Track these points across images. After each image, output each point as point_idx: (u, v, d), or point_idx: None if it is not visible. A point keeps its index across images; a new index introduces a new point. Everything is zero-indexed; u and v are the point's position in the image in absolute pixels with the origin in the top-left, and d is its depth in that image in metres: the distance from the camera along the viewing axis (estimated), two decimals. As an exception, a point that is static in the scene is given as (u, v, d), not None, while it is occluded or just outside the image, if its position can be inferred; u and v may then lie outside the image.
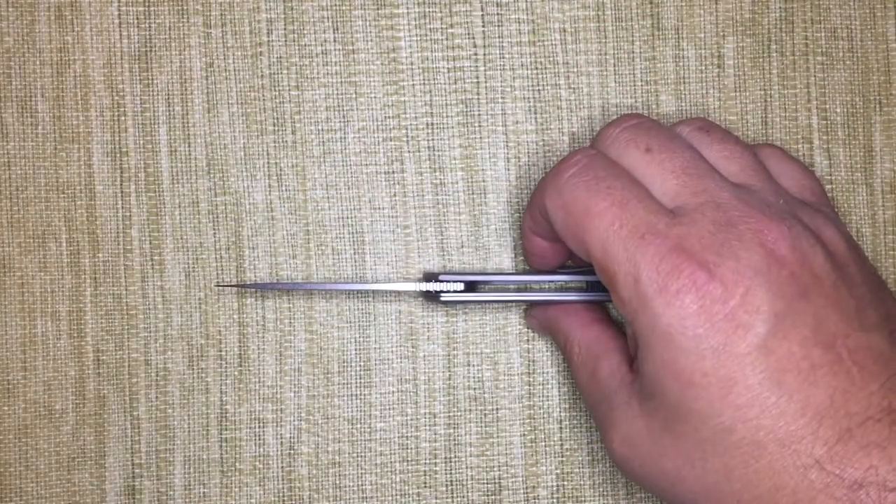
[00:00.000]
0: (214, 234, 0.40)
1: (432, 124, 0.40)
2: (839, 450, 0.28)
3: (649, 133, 0.33)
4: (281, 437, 0.39)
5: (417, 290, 0.38)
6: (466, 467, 0.40)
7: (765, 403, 0.29)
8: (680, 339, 0.30)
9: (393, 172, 0.40)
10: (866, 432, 0.29)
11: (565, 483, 0.39)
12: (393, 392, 0.40)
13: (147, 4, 0.40)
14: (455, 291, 0.37)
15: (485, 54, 0.40)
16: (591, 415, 0.36)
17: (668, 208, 0.32)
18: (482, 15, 0.40)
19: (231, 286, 0.39)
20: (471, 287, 0.38)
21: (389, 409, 0.40)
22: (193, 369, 0.39)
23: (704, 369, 0.29)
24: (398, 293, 0.40)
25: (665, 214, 0.31)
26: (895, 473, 0.28)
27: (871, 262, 0.34)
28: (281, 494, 0.39)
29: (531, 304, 0.39)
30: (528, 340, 0.40)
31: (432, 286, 0.37)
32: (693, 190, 0.32)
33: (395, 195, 0.40)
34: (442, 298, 0.37)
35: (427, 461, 0.40)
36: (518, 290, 0.39)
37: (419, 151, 0.40)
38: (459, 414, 0.40)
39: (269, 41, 0.40)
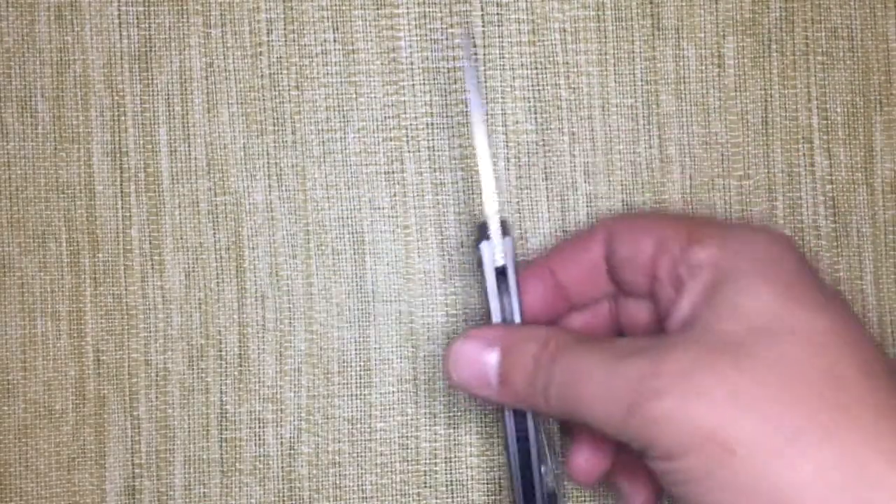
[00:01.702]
0: (214, 234, 0.40)
1: (432, 124, 0.40)
2: None
3: None
4: (281, 437, 0.39)
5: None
6: (466, 467, 0.40)
7: None
8: None
9: (393, 172, 0.40)
10: None
11: (565, 483, 0.39)
12: (393, 392, 0.40)
13: (147, 4, 0.40)
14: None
15: (485, 54, 0.40)
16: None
17: None
18: (482, 15, 0.40)
19: None
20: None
21: (389, 409, 0.40)
22: (193, 369, 0.39)
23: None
24: (398, 293, 0.40)
25: None
26: None
27: None
28: (281, 494, 0.39)
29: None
30: (528, 340, 0.40)
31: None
32: None
33: (395, 195, 0.40)
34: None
35: (427, 461, 0.40)
36: None
37: (419, 151, 0.40)
38: (459, 414, 0.40)
39: (269, 41, 0.40)
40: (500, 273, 0.35)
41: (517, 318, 0.35)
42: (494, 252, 0.35)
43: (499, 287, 0.35)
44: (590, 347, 0.32)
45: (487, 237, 0.35)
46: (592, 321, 0.37)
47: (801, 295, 0.30)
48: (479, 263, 0.35)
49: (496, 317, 0.35)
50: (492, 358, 0.34)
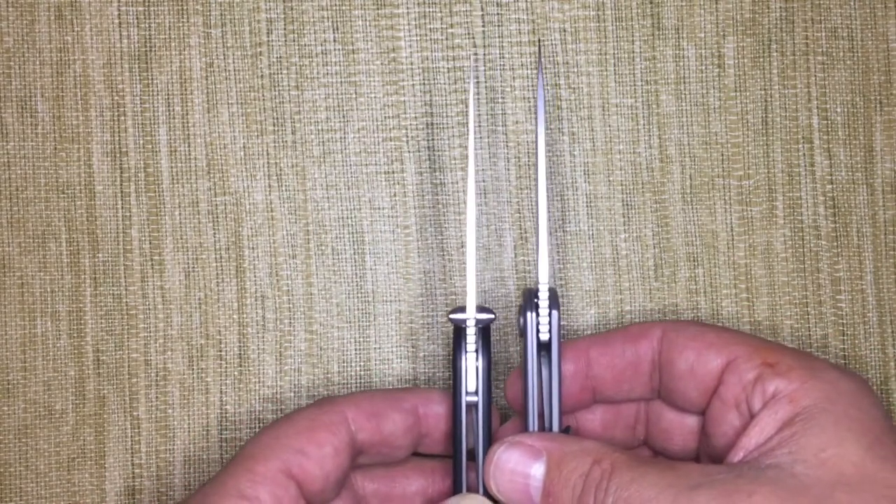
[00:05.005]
0: (214, 234, 0.40)
1: (432, 124, 0.40)
2: None
3: None
4: (281, 437, 0.39)
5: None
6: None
7: None
8: None
9: (393, 172, 0.40)
10: None
11: None
12: (393, 392, 0.40)
13: (147, 4, 0.40)
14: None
15: (485, 54, 0.40)
16: None
17: None
18: (482, 15, 0.40)
19: None
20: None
21: (389, 409, 0.40)
22: (193, 369, 0.39)
23: None
24: (398, 293, 0.40)
25: None
26: None
27: None
28: (281, 494, 0.39)
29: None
30: (528, 340, 0.40)
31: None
32: None
33: (395, 195, 0.40)
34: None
35: (427, 461, 0.40)
36: None
37: (419, 151, 0.40)
38: (459, 414, 0.40)
39: (269, 41, 0.40)
40: (541, 346, 0.34)
41: (555, 398, 0.33)
42: (540, 326, 0.34)
43: (539, 359, 0.34)
44: (654, 470, 0.29)
45: (533, 306, 0.34)
46: (615, 420, 0.36)
47: (890, 452, 0.29)
48: (522, 333, 0.34)
49: (532, 394, 0.33)
50: (536, 470, 0.31)
